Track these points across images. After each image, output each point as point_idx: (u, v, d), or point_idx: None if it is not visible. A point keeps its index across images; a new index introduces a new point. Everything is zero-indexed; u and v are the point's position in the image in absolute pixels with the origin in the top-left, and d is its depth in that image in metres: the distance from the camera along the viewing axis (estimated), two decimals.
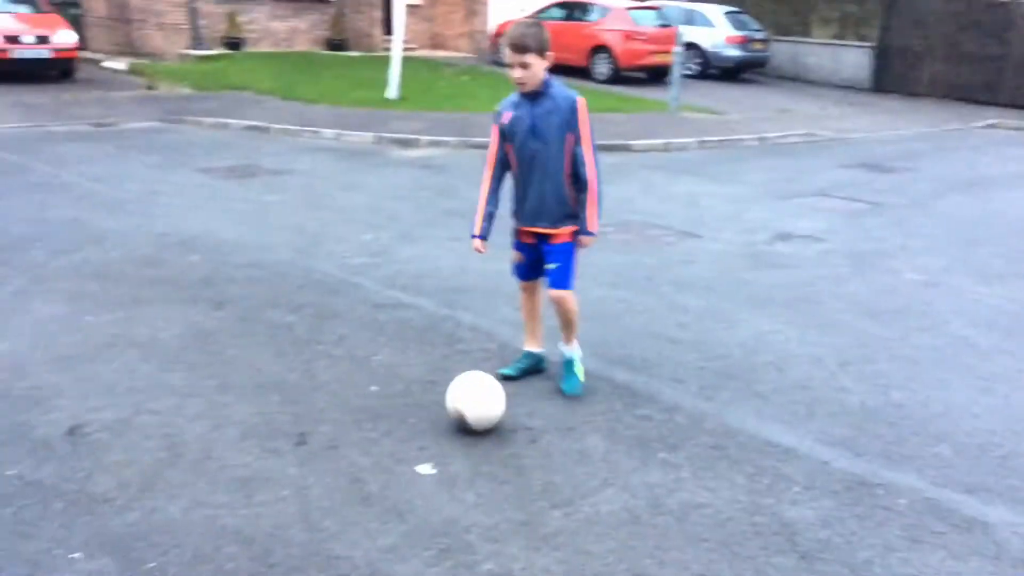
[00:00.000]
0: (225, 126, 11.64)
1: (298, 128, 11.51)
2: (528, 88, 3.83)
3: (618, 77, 18.04)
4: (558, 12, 19.23)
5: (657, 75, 18.49)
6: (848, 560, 3.01)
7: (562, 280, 4.08)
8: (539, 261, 4.13)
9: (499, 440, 3.73)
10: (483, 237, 4.12)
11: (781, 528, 3.18)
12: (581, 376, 4.22)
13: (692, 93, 15.98)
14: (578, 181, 3.95)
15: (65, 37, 14.78)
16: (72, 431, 3.64)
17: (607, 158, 10.82)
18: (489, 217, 4.10)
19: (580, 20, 18.88)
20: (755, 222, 7.91)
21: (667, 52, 16.37)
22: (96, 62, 17.24)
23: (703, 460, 3.63)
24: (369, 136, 11.24)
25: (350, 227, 7.08)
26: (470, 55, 21.43)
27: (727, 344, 4.92)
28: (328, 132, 11.39)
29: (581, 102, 3.88)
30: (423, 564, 2.90)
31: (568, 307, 4.14)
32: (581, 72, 18.24)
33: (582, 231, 4.00)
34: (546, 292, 4.14)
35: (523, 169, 3.99)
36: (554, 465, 3.55)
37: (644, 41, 18.09)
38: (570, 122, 3.85)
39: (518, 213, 4.11)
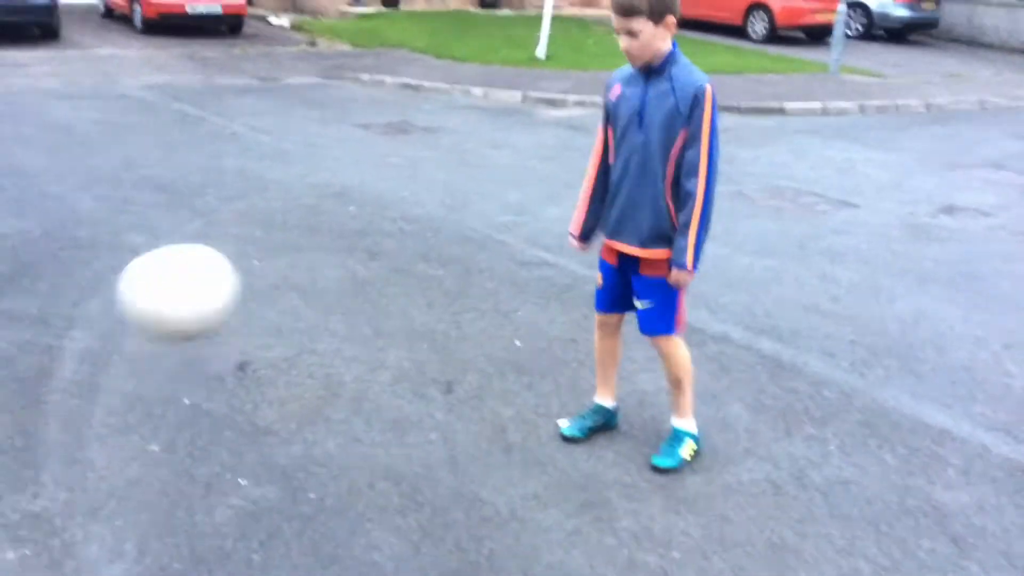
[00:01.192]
0: (381, 83, 11.98)
1: (448, 86, 11.71)
2: (639, 62, 2.99)
3: (775, 36, 17.34)
4: None
5: (816, 35, 17.68)
6: (1005, 549, 2.88)
7: (657, 324, 3.20)
8: (625, 290, 3.25)
9: (640, 403, 3.76)
10: (584, 238, 3.35)
11: (932, 511, 3.07)
12: (686, 455, 3.28)
13: (854, 55, 15.18)
14: (681, 193, 3.03)
15: None
16: (241, 367, 3.92)
17: (760, 121, 10.51)
18: (594, 215, 3.29)
19: None
20: (917, 192, 7.50)
21: (829, 11, 15.60)
22: (262, 18, 18.07)
23: (852, 437, 3.54)
24: (517, 95, 11.31)
25: (497, 185, 7.20)
26: None
27: (882, 319, 4.73)
28: (477, 90, 11.53)
29: (709, 90, 2.93)
30: (562, 515, 2.99)
31: (674, 359, 3.25)
32: (736, 31, 17.65)
33: (674, 262, 3.05)
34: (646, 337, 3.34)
35: (619, 164, 3.12)
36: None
37: (804, 0, 17.31)
38: (689, 115, 2.94)
39: (604, 220, 3.25)
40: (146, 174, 6.89)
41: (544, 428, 3.53)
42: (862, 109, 11.60)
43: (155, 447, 3.29)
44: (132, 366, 3.86)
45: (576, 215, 3.34)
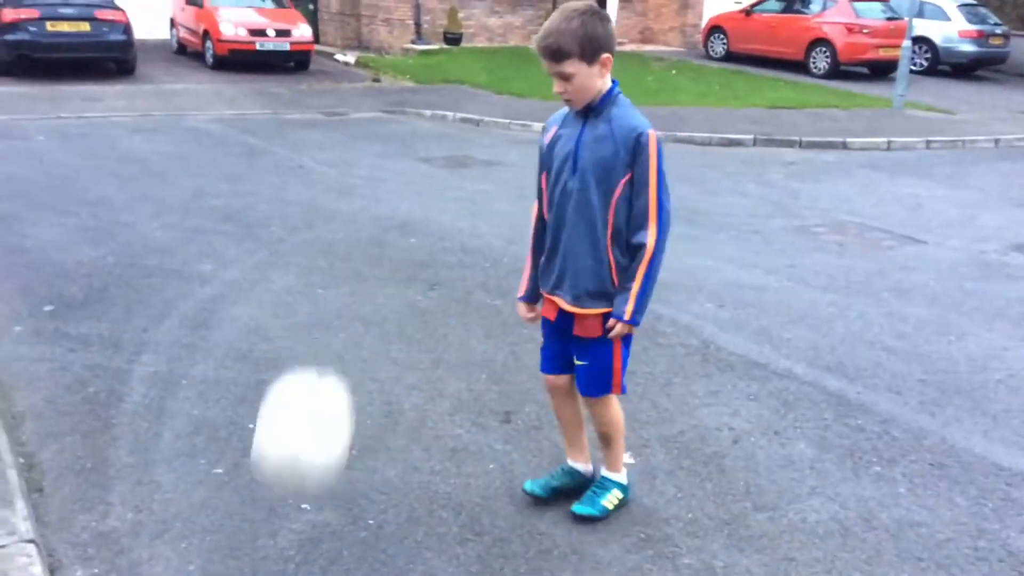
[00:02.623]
0: (443, 118, 12.17)
1: (508, 121, 11.84)
2: (579, 105, 2.77)
3: (837, 72, 17.17)
4: (775, 5, 18.54)
5: (880, 70, 17.45)
6: None
7: (591, 385, 2.98)
8: (567, 347, 3.00)
9: (700, 437, 3.71)
10: (528, 300, 3.09)
11: (1007, 556, 2.96)
12: (609, 504, 3.11)
13: (919, 90, 14.93)
14: (627, 245, 2.80)
15: (303, 31, 16.02)
16: None
17: (823, 156, 10.40)
18: (539, 272, 3.02)
19: (799, 12, 18.12)
20: (987, 229, 7.31)
21: (892, 46, 15.40)
22: (328, 55, 18.54)
23: (921, 477, 3.44)
24: None
25: None
26: (680, 49, 21.13)
27: (952, 358, 4.60)
28: (536, 125, 11.63)
29: (651, 137, 2.71)
30: (623, 550, 2.95)
31: (604, 419, 3.07)
32: (798, 66, 17.53)
33: (614, 311, 2.81)
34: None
35: (553, 212, 2.87)
36: (758, 468, 3.49)
37: (867, 35, 17.13)
38: (632, 162, 2.71)
39: (543, 272, 2.99)
40: (214, 204, 7.08)
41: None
42: (928, 145, 11.38)
43: (220, 470, 3.35)
44: (199, 390, 3.95)
45: (523, 278, 3.09)
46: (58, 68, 14.12)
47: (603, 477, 3.19)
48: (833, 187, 8.76)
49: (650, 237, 2.74)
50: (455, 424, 3.76)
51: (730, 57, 19.10)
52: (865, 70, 17.70)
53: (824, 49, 17.43)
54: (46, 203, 6.86)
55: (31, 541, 2.78)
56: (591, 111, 2.77)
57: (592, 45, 2.67)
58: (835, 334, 4.89)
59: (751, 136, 11.09)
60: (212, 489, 3.22)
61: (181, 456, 3.43)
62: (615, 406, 3.09)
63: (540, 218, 2.99)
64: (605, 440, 3.15)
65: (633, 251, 2.79)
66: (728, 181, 8.94)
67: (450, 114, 12.21)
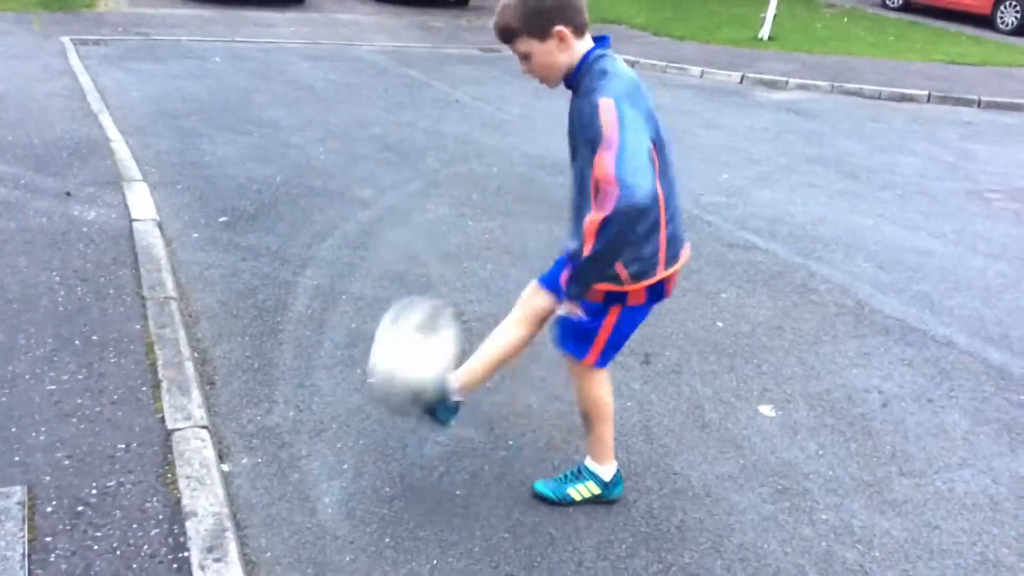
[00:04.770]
0: None
1: (665, 63, 11.57)
2: (553, 83, 2.50)
3: None
4: None
5: None
6: None
7: (569, 337, 2.69)
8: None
9: (847, 398, 3.62)
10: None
11: None
12: (575, 495, 2.86)
13: None
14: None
15: None
16: (456, 316, 4.11)
17: (1002, 118, 9.66)
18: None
19: None
20: None
21: None
22: None
23: None
24: (736, 75, 11.01)
25: (708, 165, 7.08)
26: None
27: None
28: (694, 69, 11.33)
29: (603, 104, 2.29)
30: (759, 499, 2.96)
31: (584, 392, 2.79)
32: (983, 20, 16.22)
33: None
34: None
35: (574, 186, 2.60)
36: (907, 433, 3.39)
37: None
38: (593, 132, 2.31)
39: None
40: (375, 133, 7.33)
41: (743, 411, 3.49)
42: None
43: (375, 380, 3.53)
44: (357, 306, 4.17)
45: None
46: None
47: (583, 465, 2.90)
48: (1012, 151, 8.16)
49: (592, 215, 2.28)
50: None
51: (909, 7, 17.90)
52: None
53: (1014, 3, 16.03)
54: (222, 122, 7.28)
55: (204, 427, 3.06)
56: (571, 88, 2.48)
57: (538, 21, 2.37)
58: (1003, 305, 4.62)
59: (925, 92, 10.42)
60: (367, 397, 3.41)
61: (339, 364, 3.65)
62: (597, 383, 2.76)
63: None
64: (585, 420, 2.84)
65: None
66: (897, 138, 8.47)
67: None
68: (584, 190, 2.47)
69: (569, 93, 2.49)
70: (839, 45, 13.30)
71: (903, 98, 10.40)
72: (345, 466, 3.01)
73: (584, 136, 2.37)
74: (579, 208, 2.51)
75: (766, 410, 3.51)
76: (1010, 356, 4.05)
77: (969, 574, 2.65)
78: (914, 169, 7.32)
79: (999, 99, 10.39)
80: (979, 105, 10.23)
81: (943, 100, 10.36)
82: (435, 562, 2.59)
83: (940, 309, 4.51)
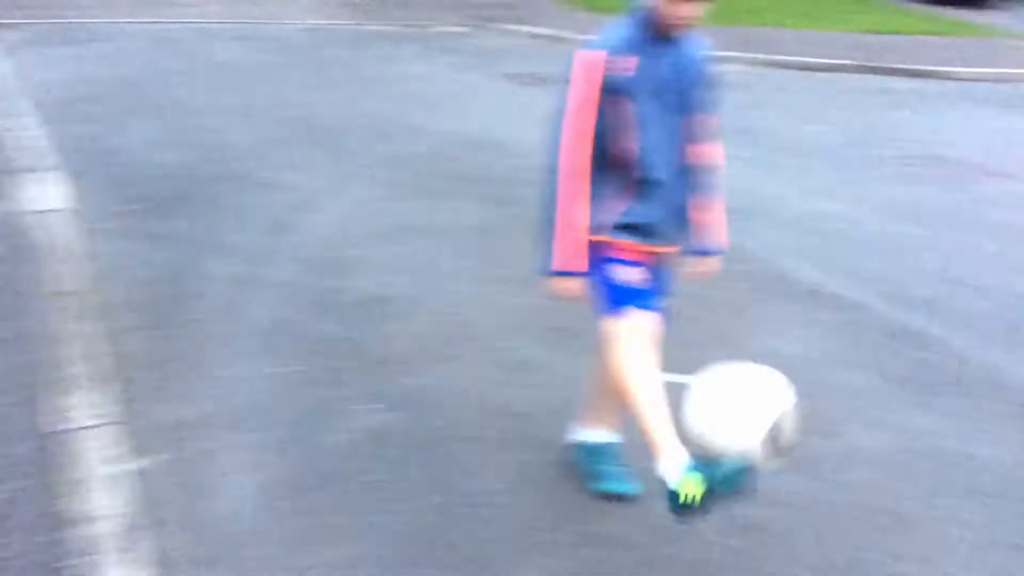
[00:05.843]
0: (521, 33, 11.98)
1: (588, 38, 11.58)
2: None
3: None
4: None
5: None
6: None
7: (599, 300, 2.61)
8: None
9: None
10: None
11: None
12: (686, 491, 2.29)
13: None
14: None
15: None
16: (378, 299, 4.08)
17: (920, 84, 9.90)
18: None
19: None
20: None
21: None
22: None
23: (988, 412, 3.38)
24: None
25: None
26: None
27: None
28: None
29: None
30: None
31: (611, 360, 2.53)
32: None
33: None
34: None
35: None
36: (821, 395, 3.46)
37: None
38: (711, 77, 2.54)
39: None
40: (297, 114, 7.18)
41: (673, 386, 3.51)
42: None
43: (295, 368, 3.48)
44: (275, 293, 4.09)
45: None
46: None
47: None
48: (930, 119, 8.38)
49: (718, 148, 2.49)
50: (519, 337, 3.81)
51: None
52: None
53: None
54: (139, 106, 7.05)
55: (119, 423, 2.97)
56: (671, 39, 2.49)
57: None
58: (916, 268, 4.75)
59: (851, 62, 10.61)
60: (286, 386, 3.35)
61: (258, 352, 3.58)
62: (628, 351, 2.50)
63: None
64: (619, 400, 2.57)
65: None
66: (821, 108, 8.62)
67: (526, 28, 12.02)
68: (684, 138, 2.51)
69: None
70: (768, 17, 13.46)
71: (828, 68, 10.58)
72: (261, 458, 2.95)
73: (705, 80, 2.52)
74: (671, 153, 2.48)
75: (685, 379, 3.53)
76: (923, 317, 4.17)
77: (877, 528, 2.73)
78: (836, 139, 7.46)
79: (914, 66, 10.64)
80: (894, 72, 10.47)
81: (868, 70, 10.56)
82: (350, 547, 2.55)
83: (854, 273, 4.62)
